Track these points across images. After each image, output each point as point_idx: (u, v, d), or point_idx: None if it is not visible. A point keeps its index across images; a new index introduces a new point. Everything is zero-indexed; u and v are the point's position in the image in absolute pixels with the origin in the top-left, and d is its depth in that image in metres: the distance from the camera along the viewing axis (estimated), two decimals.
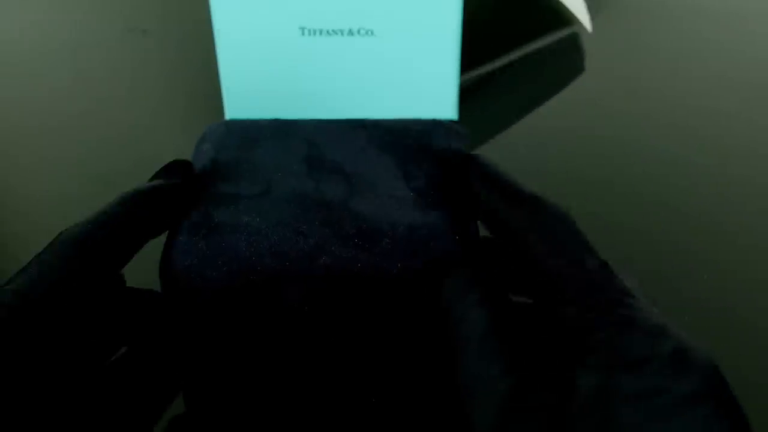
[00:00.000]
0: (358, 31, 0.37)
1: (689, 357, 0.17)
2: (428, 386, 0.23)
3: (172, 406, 0.23)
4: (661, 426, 0.16)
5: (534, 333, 0.20)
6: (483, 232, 0.23)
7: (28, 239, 0.38)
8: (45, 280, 0.19)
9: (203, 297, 0.22)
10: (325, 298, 0.21)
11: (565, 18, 0.49)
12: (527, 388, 0.18)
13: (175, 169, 0.23)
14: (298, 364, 0.23)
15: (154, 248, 0.23)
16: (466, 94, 0.43)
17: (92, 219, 0.21)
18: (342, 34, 0.37)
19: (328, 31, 0.37)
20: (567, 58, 0.48)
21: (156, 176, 0.23)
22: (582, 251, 0.20)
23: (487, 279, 0.21)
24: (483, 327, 0.19)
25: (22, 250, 0.37)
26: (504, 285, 0.22)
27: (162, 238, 0.23)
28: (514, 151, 0.41)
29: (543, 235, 0.20)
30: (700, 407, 0.16)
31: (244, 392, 0.23)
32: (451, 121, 0.26)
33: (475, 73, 0.46)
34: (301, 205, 0.23)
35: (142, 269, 0.23)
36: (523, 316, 0.21)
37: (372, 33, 0.37)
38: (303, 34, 0.37)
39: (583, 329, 0.18)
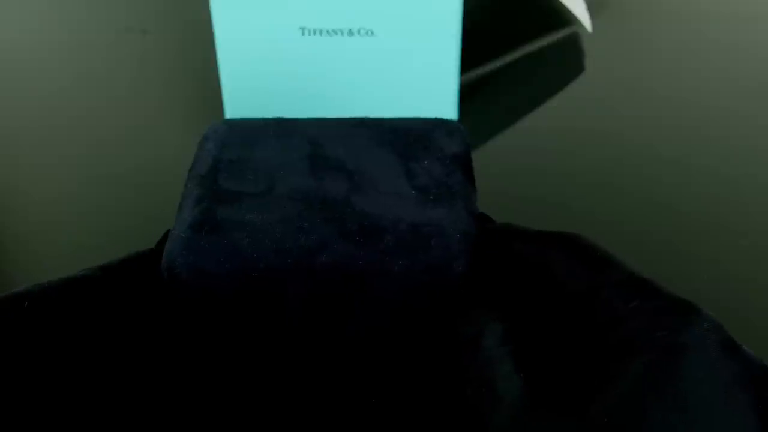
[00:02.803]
0: (358, 31, 0.37)
1: (739, 348, 0.17)
2: (430, 384, 0.23)
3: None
4: (695, 412, 0.16)
5: (544, 324, 0.20)
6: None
7: (28, 239, 0.38)
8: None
9: (205, 294, 0.22)
10: (326, 295, 0.22)
11: (565, 18, 0.49)
12: (545, 387, 0.18)
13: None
14: (300, 361, 0.23)
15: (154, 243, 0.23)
16: (466, 94, 0.43)
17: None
18: (342, 34, 0.37)
19: (328, 31, 0.37)
20: (567, 58, 0.48)
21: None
22: (607, 264, 0.19)
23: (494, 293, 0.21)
24: (500, 333, 0.19)
25: (22, 250, 0.37)
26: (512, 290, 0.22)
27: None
28: (514, 151, 0.41)
29: (577, 258, 0.20)
30: (742, 393, 0.16)
31: (246, 388, 0.23)
32: (452, 120, 0.26)
33: (475, 73, 0.46)
34: (303, 203, 0.23)
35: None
36: (524, 309, 0.21)
37: (372, 33, 0.37)
38: (303, 34, 0.37)
39: (623, 317, 0.18)
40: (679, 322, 0.17)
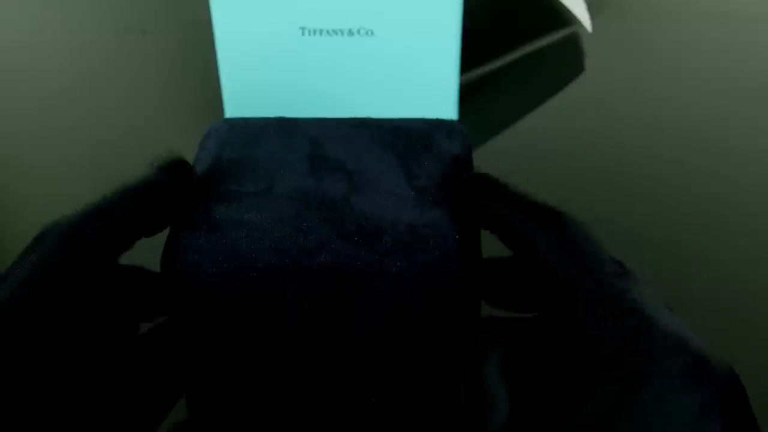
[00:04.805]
0: (359, 31, 0.37)
1: (707, 368, 0.17)
2: (427, 385, 0.23)
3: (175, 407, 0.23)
4: None
5: (541, 348, 0.20)
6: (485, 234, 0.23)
7: (28, 239, 0.38)
8: (35, 279, 0.19)
9: (204, 293, 0.22)
10: (325, 295, 0.21)
11: (565, 18, 0.50)
12: (528, 410, 0.18)
13: (173, 167, 0.23)
14: (298, 361, 0.23)
15: (155, 245, 0.23)
16: (466, 94, 0.43)
17: (88, 210, 0.21)
18: (342, 34, 0.37)
19: (328, 31, 0.37)
20: (567, 58, 0.48)
21: (155, 171, 0.23)
22: (597, 259, 0.19)
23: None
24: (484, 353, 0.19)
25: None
26: (507, 297, 0.22)
27: (163, 235, 0.23)
28: (514, 151, 0.41)
29: (556, 245, 0.20)
30: (709, 422, 0.16)
31: (244, 388, 0.23)
32: (453, 121, 0.26)
33: (475, 73, 0.46)
34: (302, 203, 0.23)
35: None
36: (529, 332, 0.21)
37: (372, 33, 0.37)
38: (303, 34, 0.37)
39: (595, 339, 0.18)
40: (646, 344, 0.17)
